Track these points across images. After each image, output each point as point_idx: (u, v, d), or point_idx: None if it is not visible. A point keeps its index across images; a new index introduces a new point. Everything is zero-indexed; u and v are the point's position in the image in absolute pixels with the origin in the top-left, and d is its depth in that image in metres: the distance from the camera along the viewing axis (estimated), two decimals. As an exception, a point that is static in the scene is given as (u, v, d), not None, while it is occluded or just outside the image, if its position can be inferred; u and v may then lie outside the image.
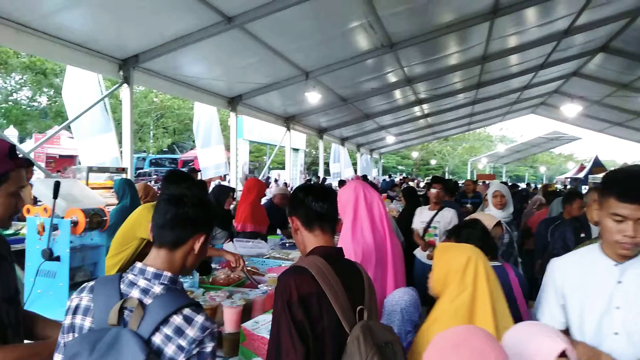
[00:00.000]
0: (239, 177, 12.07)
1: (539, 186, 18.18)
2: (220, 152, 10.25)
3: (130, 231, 2.98)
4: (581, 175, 20.83)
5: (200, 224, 1.47)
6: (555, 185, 16.92)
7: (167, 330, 1.25)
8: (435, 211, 4.77)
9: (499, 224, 2.89)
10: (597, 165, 20.42)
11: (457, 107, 15.78)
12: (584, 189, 15.36)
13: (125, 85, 6.36)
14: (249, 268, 2.90)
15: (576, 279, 1.70)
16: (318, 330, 1.43)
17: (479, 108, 16.82)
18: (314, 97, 9.22)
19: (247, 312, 2.21)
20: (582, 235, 3.65)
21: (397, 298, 2.08)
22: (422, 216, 4.86)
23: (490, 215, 2.99)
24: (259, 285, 2.31)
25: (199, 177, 9.18)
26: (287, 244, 4.33)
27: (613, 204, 1.53)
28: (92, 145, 7.15)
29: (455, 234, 2.60)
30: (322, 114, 12.43)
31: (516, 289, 2.39)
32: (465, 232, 2.53)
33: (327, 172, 19.49)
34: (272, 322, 1.48)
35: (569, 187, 18.15)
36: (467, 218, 3.11)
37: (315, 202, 1.68)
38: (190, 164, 19.88)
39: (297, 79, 8.70)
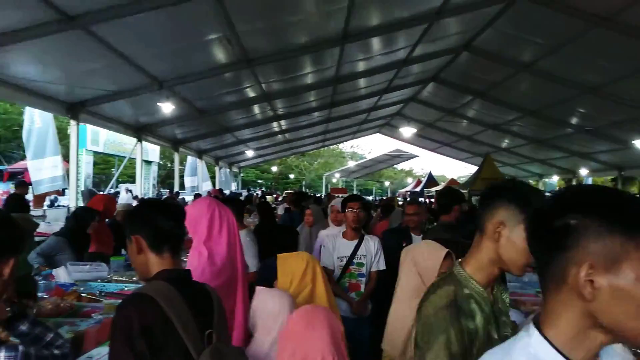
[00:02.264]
0: (80, 191, 10.90)
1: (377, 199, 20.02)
2: (56, 164, 9.13)
3: None
4: (418, 189, 23.40)
5: (7, 247, 1.30)
6: (398, 198, 18.70)
7: None
8: (356, 241, 3.59)
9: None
10: (431, 180, 23.18)
11: (312, 125, 16.54)
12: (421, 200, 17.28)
13: None
14: (84, 295, 2.61)
15: None
16: None
17: (333, 126, 17.88)
18: (167, 108, 8.80)
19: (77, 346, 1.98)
20: (404, 244, 3.95)
21: None
22: (338, 249, 3.58)
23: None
24: (93, 315, 2.08)
25: (30, 191, 8.04)
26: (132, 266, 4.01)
27: None
28: None
29: None
30: (177, 125, 11.93)
31: None
32: None
33: (182, 185, 18.71)
34: (109, 357, 1.34)
35: (408, 199, 20.23)
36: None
37: (165, 220, 1.55)
38: (19, 177, 17.29)
39: (150, 88, 8.22)
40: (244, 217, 4.02)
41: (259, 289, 1.86)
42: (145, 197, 13.14)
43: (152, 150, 21.30)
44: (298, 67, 9.39)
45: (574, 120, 12.23)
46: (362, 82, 11.60)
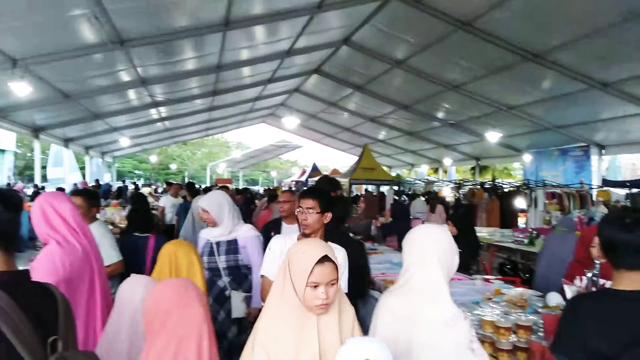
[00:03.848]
0: None
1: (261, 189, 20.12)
2: None
3: None
4: (303, 179, 23.94)
5: None
6: (283, 187, 18.91)
7: None
8: None
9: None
10: (315, 170, 23.84)
11: (195, 113, 15.92)
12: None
13: None
14: None
15: None
16: None
17: (216, 115, 17.41)
18: (22, 89, 7.74)
19: None
20: (273, 234, 4.03)
21: None
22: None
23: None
24: None
25: None
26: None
27: None
28: None
29: None
30: (37, 109, 10.63)
31: None
32: None
33: (45, 177, 16.80)
34: None
35: (293, 189, 20.61)
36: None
37: (3, 213, 1.32)
38: None
39: (1, 66, 7.21)
40: (97, 210, 3.56)
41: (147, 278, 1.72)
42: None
43: (7, 137, 18.79)
44: (178, 52, 8.96)
45: (440, 115, 13.50)
46: (246, 71, 11.47)
